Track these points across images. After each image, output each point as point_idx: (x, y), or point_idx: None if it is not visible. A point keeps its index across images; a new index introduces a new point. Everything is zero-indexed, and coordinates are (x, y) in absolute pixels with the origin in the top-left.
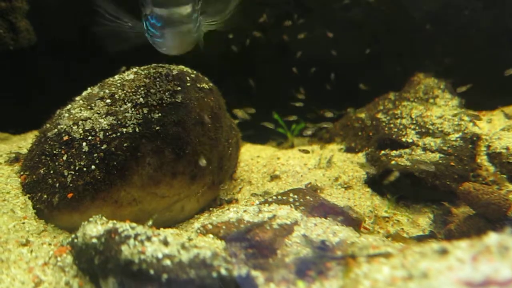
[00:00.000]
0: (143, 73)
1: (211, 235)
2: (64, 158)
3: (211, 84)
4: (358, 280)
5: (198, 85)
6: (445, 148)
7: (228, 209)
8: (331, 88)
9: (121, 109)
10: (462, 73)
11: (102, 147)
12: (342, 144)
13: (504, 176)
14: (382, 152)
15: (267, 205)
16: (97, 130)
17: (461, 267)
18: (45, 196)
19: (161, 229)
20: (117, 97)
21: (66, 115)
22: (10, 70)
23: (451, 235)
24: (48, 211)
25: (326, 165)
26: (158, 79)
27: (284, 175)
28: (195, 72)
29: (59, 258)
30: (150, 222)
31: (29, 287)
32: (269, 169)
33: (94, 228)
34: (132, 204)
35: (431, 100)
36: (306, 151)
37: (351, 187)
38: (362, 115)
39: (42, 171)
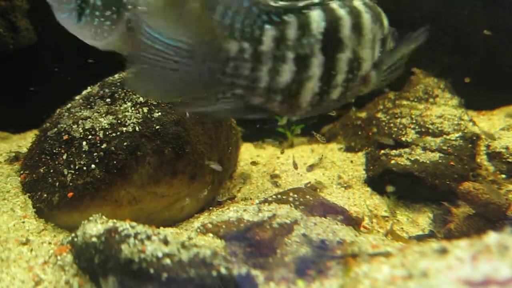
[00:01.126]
0: None
1: (211, 234)
2: (64, 157)
3: None
4: (358, 279)
5: None
6: (445, 147)
7: (228, 208)
8: None
9: (121, 108)
10: (462, 72)
11: (102, 146)
12: (342, 143)
13: (504, 175)
14: (382, 151)
15: (267, 204)
16: (97, 129)
17: (461, 266)
18: (45, 195)
19: (161, 228)
20: (117, 96)
21: (66, 114)
22: (10, 69)
23: (451, 235)
24: (48, 210)
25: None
26: None
27: (284, 174)
28: None
29: (59, 257)
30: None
31: (29, 286)
32: (269, 168)
33: (94, 227)
34: (132, 203)
35: (431, 100)
36: (282, 152)
37: (351, 186)
38: (362, 115)
39: (42, 170)
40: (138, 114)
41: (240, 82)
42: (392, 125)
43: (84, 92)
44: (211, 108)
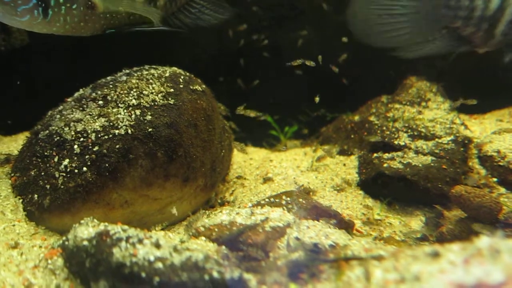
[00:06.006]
0: (135, 74)
1: (203, 238)
2: (56, 159)
3: (204, 86)
4: (351, 283)
5: (191, 87)
6: (437, 151)
7: (221, 212)
8: (323, 90)
9: (114, 110)
10: (454, 76)
11: (94, 149)
12: (335, 146)
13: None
14: (375, 155)
15: (259, 207)
16: (89, 131)
17: (453, 270)
18: (36, 198)
19: (153, 231)
20: (110, 99)
21: (58, 116)
22: (1, 71)
23: (443, 238)
24: (39, 213)
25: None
26: (151, 81)
27: (277, 177)
28: (188, 74)
29: (49, 261)
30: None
31: None
32: (262, 171)
33: (86, 230)
34: (123, 206)
35: (423, 103)
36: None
37: (344, 189)
38: (355, 118)
39: (33, 173)
40: (130, 117)
41: (461, 13)
42: (384, 128)
43: (76, 94)
44: (428, 49)
